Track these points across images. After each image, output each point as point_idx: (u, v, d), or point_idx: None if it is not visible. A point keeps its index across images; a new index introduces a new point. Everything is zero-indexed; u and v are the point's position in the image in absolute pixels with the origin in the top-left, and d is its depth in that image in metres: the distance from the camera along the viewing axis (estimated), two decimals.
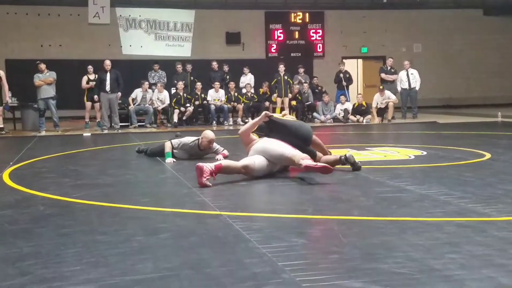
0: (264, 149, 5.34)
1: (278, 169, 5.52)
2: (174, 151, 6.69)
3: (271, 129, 5.67)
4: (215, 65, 14.75)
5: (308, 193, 4.75)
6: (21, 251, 3.02)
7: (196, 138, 6.72)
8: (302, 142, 5.61)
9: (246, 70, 14.78)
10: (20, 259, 2.87)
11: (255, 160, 5.25)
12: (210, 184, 4.82)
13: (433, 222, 3.48)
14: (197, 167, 4.87)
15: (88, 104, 13.15)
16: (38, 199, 4.57)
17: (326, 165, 5.11)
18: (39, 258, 2.88)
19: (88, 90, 13.09)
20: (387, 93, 13.97)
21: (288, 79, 14.16)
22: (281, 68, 14.12)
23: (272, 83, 14.20)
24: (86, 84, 13.09)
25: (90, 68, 13.22)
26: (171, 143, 6.70)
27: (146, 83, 13.61)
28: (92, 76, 13.13)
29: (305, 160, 5.10)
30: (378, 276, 2.49)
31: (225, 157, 6.47)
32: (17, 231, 3.48)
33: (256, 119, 5.78)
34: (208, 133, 6.61)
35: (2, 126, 11.74)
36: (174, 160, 6.54)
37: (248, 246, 3.01)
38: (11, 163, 6.77)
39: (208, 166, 4.88)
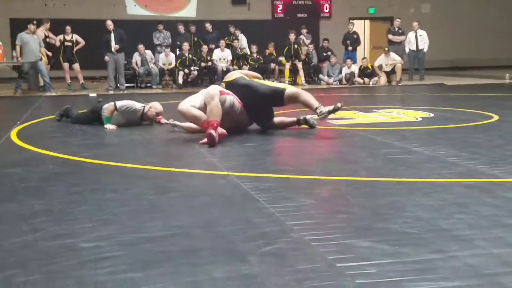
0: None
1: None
2: (114, 114, 6.19)
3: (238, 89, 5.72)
4: (208, 26, 14.41)
5: (316, 154, 4.76)
6: (32, 209, 3.05)
7: (143, 105, 6.40)
8: (272, 98, 5.62)
9: (237, 32, 14.53)
10: (32, 216, 2.90)
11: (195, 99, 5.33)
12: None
13: (441, 183, 3.50)
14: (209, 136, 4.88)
15: (66, 65, 12.83)
16: (47, 158, 4.59)
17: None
18: (51, 216, 2.92)
19: (63, 50, 12.77)
20: (392, 55, 13.80)
21: (298, 47, 13.99)
22: (292, 36, 13.93)
23: (285, 50, 14.00)
24: (61, 44, 12.73)
25: (68, 28, 12.85)
26: (115, 105, 6.17)
27: (141, 46, 13.37)
28: (68, 37, 12.82)
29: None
30: (387, 236, 2.51)
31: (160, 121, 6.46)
32: (28, 189, 3.52)
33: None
34: (158, 106, 6.44)
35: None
36: (115, 126, 6.13)
37: (256, 206, 3.03)
38: (18, 122, 6.79)
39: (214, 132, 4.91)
